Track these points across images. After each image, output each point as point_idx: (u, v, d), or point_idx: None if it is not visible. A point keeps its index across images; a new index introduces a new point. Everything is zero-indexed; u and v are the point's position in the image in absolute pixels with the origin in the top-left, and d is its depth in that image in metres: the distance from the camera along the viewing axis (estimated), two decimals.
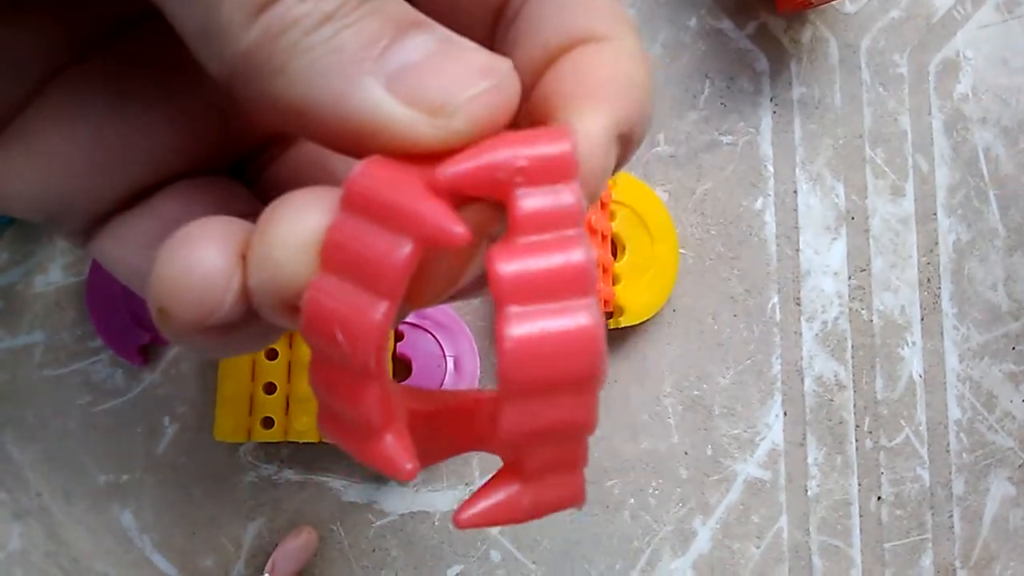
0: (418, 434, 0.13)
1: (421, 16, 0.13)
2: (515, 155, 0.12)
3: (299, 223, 0.12)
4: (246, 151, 0.17)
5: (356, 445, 0.13)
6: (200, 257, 0.12)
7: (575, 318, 0.11)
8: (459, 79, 0.12)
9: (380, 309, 0.11)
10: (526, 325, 0.11)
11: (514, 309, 0.11)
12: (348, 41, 0.12)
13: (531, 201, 0.12)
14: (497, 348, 0.11)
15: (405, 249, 0.11)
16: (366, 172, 0.12)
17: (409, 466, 0.12)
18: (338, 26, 0.12)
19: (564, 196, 0.12)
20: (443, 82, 0.12)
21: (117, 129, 0.15)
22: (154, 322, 0.13)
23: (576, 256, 0.12)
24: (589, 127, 0.13)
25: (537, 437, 0.12)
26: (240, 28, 0.12)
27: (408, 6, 0.13)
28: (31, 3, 0.15)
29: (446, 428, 0.14)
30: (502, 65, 0.12)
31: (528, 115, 0.14)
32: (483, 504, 0.12)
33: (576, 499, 0.13)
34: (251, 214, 0.13)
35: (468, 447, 0.15)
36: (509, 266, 0.11)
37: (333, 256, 0.12)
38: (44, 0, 0.15)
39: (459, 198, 0.12)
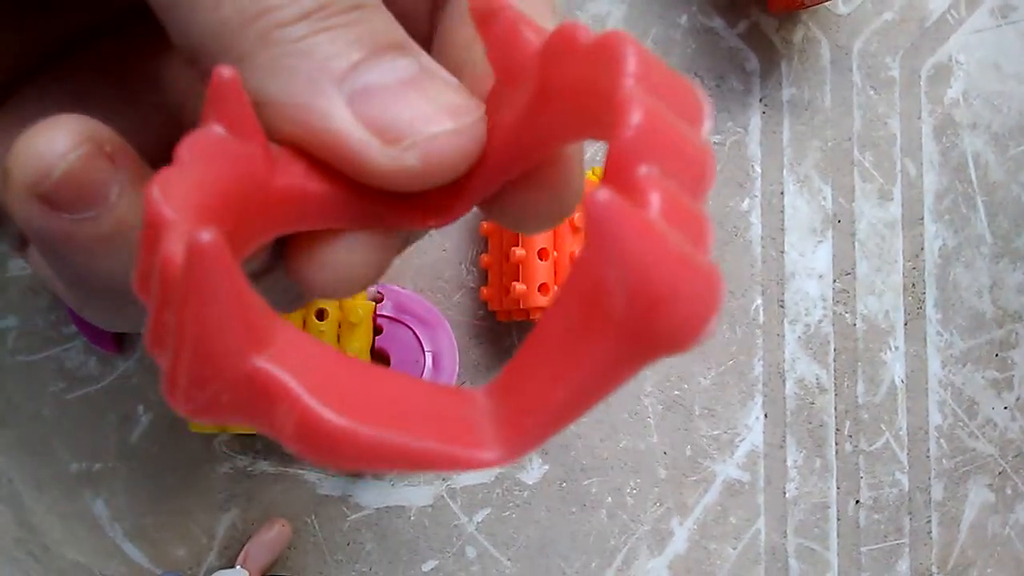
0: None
1: (406, 39, 0.12)
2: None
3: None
4: None
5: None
6: (48, 130, 0.12)
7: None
8: (424, 113, 0.12)
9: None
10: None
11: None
12: (320, 46, 0.12)
13: None
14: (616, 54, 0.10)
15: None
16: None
17: (207, 236, 0.09)
18: (315, 27, 0.12)
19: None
20: (407, 112, 0.12)
21: (112, 119, 0.15)
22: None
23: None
24: None
25: (663, 140, 0.09)
26: (212, 2, 0.11)
27: (397, 26, 0.12)
28: None
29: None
30: (473, 110, 0.12)
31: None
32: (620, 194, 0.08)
33: (714, 283, 0.09)
34: None
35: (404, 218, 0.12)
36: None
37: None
38: (7, 10, 0.15)
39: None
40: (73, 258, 0.13)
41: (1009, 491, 0.33)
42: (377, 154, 0.11)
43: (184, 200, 0.10)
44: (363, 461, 0.09)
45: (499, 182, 0.13)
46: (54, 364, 0.29)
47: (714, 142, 0.33)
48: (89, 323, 0.28)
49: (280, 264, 0.14)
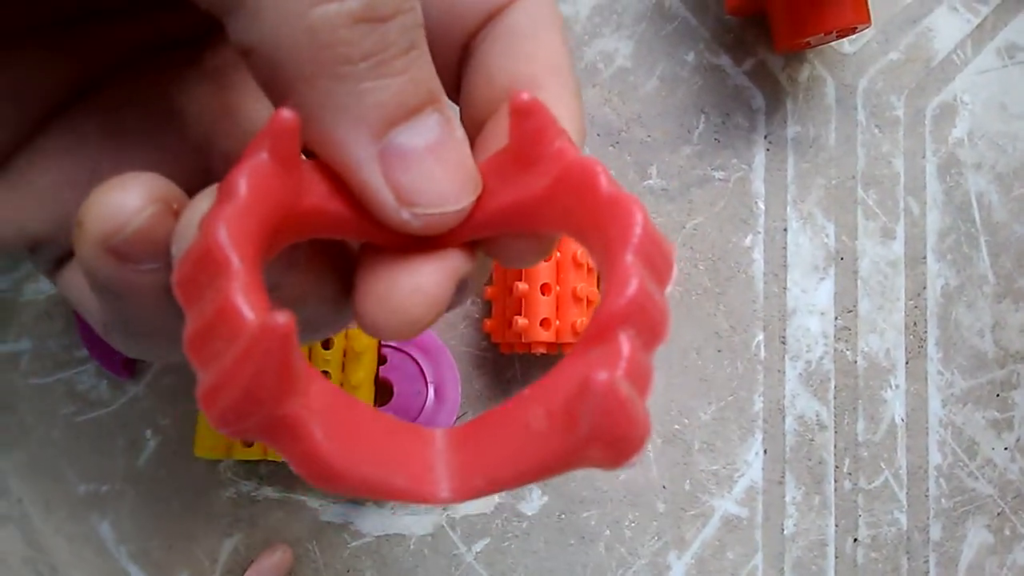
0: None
1: (439, 87, 0.14)
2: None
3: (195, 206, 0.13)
4: None
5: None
6: (122, 188, 0.13)
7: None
8: (439, 190, 0.13)
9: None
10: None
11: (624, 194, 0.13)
12: (373, 93, 0.13)
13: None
14: (627, 221, 0.12)
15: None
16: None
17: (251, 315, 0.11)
18: (374, 71, 0.13)
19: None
20: (425, 183, 0.13)
21: (108, 168, 0.16)
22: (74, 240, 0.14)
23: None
24: None
25: (643, 310, 0.12)
26: (288, 13, 0.12)
27: (434, 72, 0.14)
28: (35, 42, 0.15)
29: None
30: (472, 190, 0.14)
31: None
32: (614, 367, 0.12)
33: (643, 431, 0.11)
34: None
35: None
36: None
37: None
38: (48, 39, 0.15)
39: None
40: (130, 303, 0.14)
41: (1008, 532, 0.33)
42: (391, 210, 0.13)
43: (241, 238, 0.12)
44: (347, 490, 0.12)
45: (491, 232, 0.15)
46: (65, 387, 0.29)
47: (718, 178, 0.33)
48: (101, 348, 0.29)
49: (285, 280, 0.15)
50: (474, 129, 0.16)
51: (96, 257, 0.14)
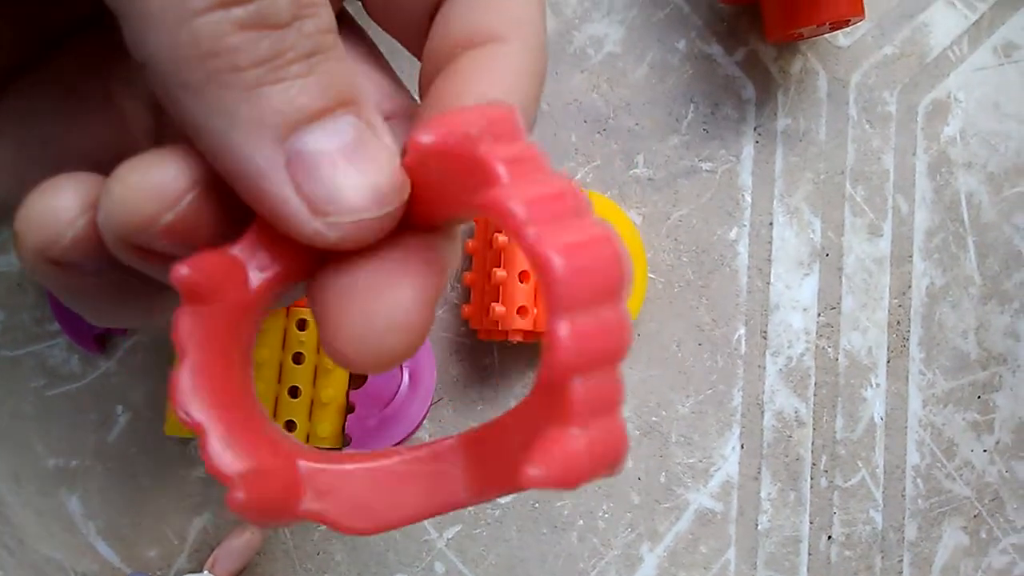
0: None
1: (354, 91, 0.13)
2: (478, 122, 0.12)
3: (151, 176, 0.13)
4: None
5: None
6: (55, 196, 0.13)
7: (592, 228, 0.12)
8: (355, 196, 0.12)
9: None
10: (559, 238, 0.11)
11: (539, 229, 0.11)
12: (270, 97, 0.12)
13: (502, 152, 0.12)
14: (542, 269, 0.11)
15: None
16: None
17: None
18: (268, 77, 0.12)
19: (525, 148, 0.12)
20: (338, 190, 0.12)
21: (64, 132, 0.16)
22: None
23: (562, 180, 0.12)
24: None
25: (587, 353, 0.11)
26: (172, 22, 0.11)
27: (349, 73, 0.13)
28: None
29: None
30: (395, 196, 0.12)
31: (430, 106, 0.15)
32: (548, 458, 0.11)
33: (620, 448, 0.12)
34: None
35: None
36: (517, 198, 0.11)
37: None
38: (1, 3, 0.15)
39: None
40: (81, 299, 0.14)
41: (984, 535, 0.33)
42: (303, 221, 0.12)
43: (201, 392, 0.13)
44: (389, 529, 0.14)
45: (440, 218, 0.14)
46: (36, 360, 0.29)
47: (706, 169, 0.33)
48: (72, 322, 0.28)
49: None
50: (427, 87, 0.15)
51: (36, 266, 0.13)
